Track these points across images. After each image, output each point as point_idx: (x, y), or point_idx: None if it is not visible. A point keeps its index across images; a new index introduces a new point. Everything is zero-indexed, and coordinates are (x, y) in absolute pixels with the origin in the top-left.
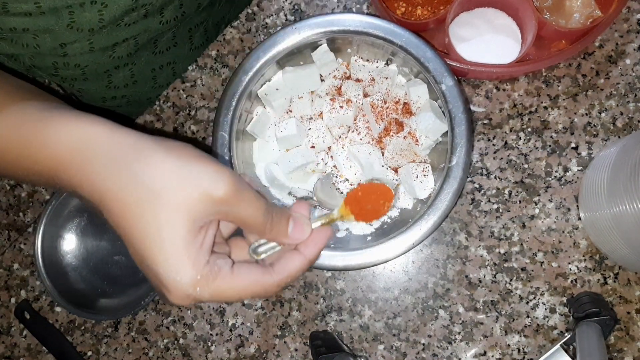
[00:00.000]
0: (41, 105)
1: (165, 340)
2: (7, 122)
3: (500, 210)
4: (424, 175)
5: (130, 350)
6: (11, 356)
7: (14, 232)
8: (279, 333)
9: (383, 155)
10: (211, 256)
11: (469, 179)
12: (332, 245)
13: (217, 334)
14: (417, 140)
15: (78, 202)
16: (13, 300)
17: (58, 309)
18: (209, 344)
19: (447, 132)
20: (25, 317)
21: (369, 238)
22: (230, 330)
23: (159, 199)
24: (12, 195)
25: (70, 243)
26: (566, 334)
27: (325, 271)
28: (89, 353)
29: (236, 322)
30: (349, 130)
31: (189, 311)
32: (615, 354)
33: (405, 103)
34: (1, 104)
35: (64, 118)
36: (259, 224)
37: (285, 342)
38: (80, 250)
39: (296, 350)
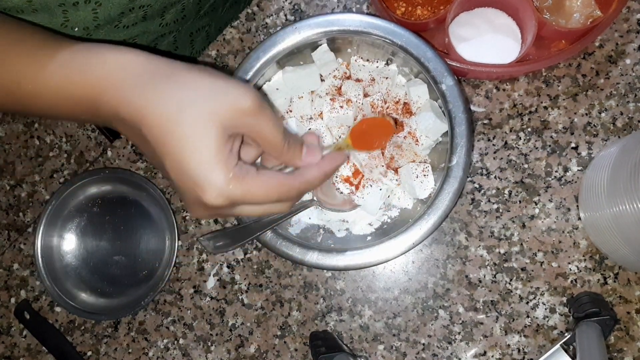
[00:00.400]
0: (75, 41)
1: (165, 340)
2: (53, 57)
3: (500, 210)
4: (424, 175)
5: (130, 350)
6: (11, 356)
7: (14, 232)
8: (279, 333)
9: (383, 155)
10: (239, 161)
11: (469, 179)
12: (332, 245)
13: (217, 334)
14: (417, 140)
15: (78, 202)
16: (13, 300)
17: (58, 309)
18: (209, 344)
19: (447, 132)
20: (25, 317)
21: (369, 238)
22: (230, 330)
23: (195, 108)
24: (12, 195)
25: (70, 243)
26: (566, 334)
27: (325, 271)
28: (89, 353)
29: (236, 322)
30: (349, 130)
31: (188, 311)
32: (615, 354)
33: (405, 103)
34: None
35: (102, 48)
36: (278, 142)
37: (285, 342)
38: (80, 250)
39: (296, 350)
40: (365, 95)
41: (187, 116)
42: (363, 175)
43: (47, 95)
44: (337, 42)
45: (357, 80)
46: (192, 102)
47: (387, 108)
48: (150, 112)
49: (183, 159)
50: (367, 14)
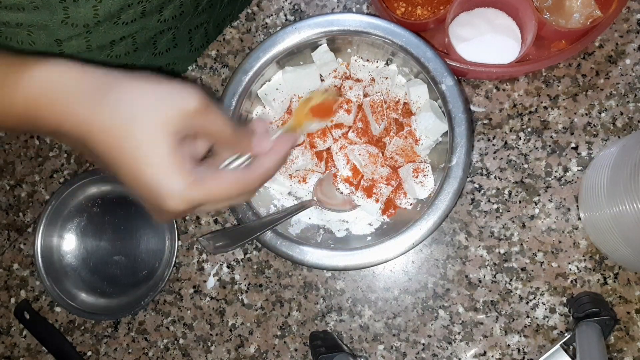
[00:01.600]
0: (5, 55)
1: (165, 341)
2: None
3: (500, 210)
4: (424, 176)
5: (130, 351)
6: (11, 356)
7: (14, 232)
8: (278, 333)
9: (383, 155)
10: (195, 164)
11: (469, 179)
12: (332, 245)
13: (217, 334)
14: (417, 140)
15: (78, 202)
16: (13, 300)
17: (58, 309)
18: (209, 344)
19: (447, 132)
20: (25, 317)
21: (369, 238)
22: (230, 330)
23: (141, 119)
24: (12, 195)
25: (70, 243)
26: (566, 334)
27: (325, 271)
28: (89, 353)
29: (236, 322)
30: (349, 130)
31: (188, 311)
32: (615, 354)
33: (405, 103)
34: None
35: (32, 61)
36: (228, 135)
37: (285, 342)
38: (80, 250)
39: (296, 350)
40: (365, 95)
41: (136, 127)
42: (363, 175)
43: None
44: (337, 42)
45: (357, 80)
46: (139, 113)
47: (387, 108)
48: (96, 127)
49: (138, 170)
50: (367, 14)
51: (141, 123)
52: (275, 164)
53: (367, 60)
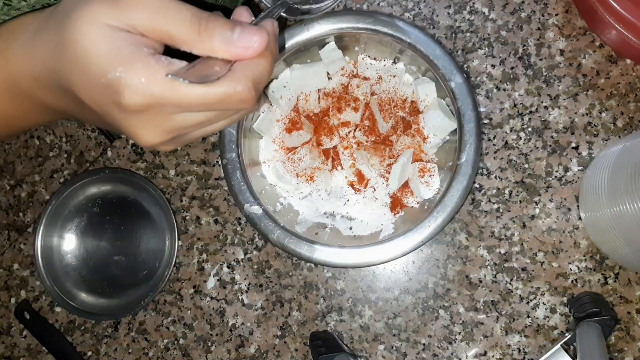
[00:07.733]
0: None
1: (165, 341)
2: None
3: (501, 210)
4: (430, 176)
5: (130, 351)
6: (11, 356)
7: (14, 232)
8: (279, 333)
9: (390, 151)
10: (157, 54)
11: None
12: (339, 243)
13: (217, 334)
14: (425, 138)
15: (78, 202)
16: (13, 300)
17: (58, 309)
18: (209, 344)
19: (454, 130)
20: (25, 317)
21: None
22: (230, 330)
23: (75, 21)
24: (12, 195)
25: (70, 243)
26: (567, 334)
27: (325, 271)
28: (89, 353)
29: (236, 322)
30: (356, 128)
31: (189, 311)
32: (616, 354)
33: (412, 101)
34: None
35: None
36: (184, 19)
37: (285, 342)
38: (80, 250)
39: (296, 350)
40: (373, 93)
41: (76, 27)
42: (369, 180)
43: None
44: (344, 40)
45: (365, 78)
46: (72, 18)
47: (395, 106)
48: (50, 56)
49: (92, 72)
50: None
51: (76, 23)
52: (272, 59)
53: (375, 58)
